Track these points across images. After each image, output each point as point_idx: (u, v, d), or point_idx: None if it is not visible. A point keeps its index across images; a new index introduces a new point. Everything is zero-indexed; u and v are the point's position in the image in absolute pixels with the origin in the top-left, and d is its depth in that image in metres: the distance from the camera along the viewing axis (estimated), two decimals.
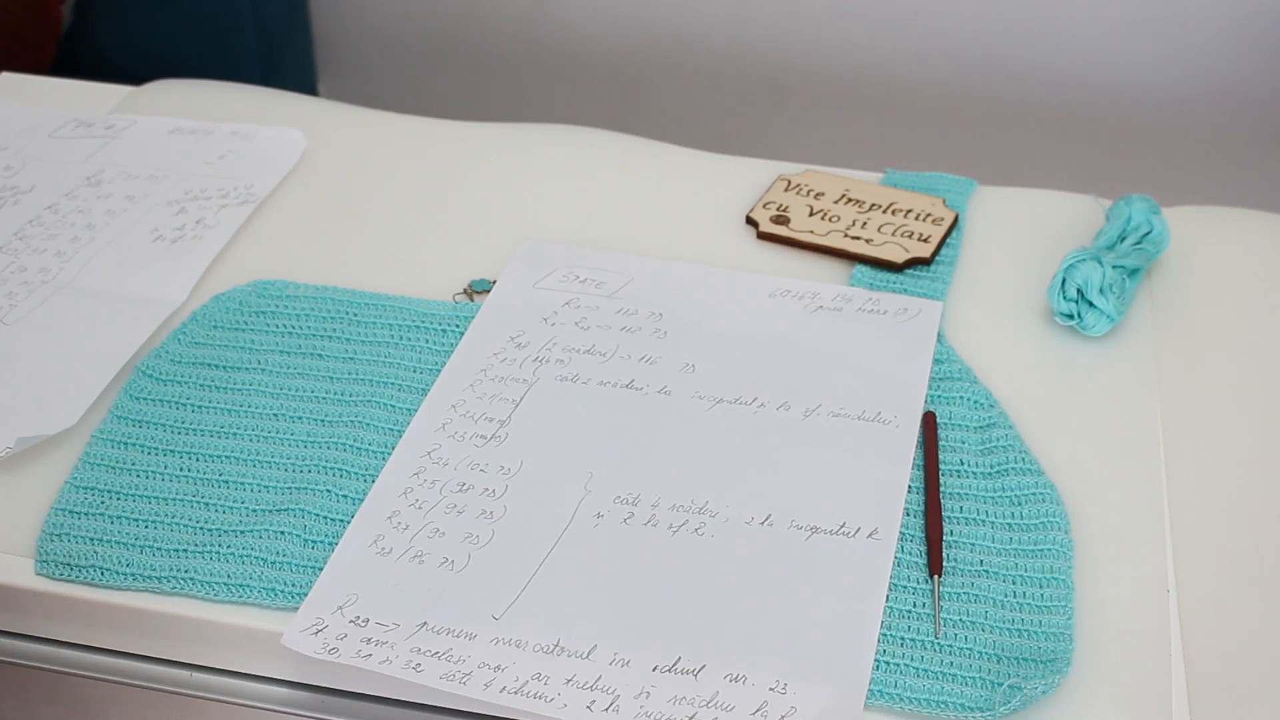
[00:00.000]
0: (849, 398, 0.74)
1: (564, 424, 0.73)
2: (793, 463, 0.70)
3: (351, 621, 0.62)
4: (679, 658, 0.61)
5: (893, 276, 0.83)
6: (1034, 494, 0.68)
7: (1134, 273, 0.81)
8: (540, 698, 0.59)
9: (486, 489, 0.69)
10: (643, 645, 0.61)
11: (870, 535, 0.66)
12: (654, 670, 0.60)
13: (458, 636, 0.62)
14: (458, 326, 0.80)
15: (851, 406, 0.73)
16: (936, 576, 0.64)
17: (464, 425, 0.73)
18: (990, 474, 0.70)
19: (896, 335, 0.78)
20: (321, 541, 0.67)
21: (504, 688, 0.59)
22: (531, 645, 0.61)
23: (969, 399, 0.74)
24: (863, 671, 0.60)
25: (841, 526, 0.67)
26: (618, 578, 0.65)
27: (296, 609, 0.64)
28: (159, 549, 0.67)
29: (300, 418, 0.74)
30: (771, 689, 0.59)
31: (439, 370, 0.77)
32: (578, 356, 0.77)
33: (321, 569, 0.66)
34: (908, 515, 0.68)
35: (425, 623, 0.62)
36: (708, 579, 0.64)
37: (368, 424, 0.73)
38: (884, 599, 0.63)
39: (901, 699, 0.60)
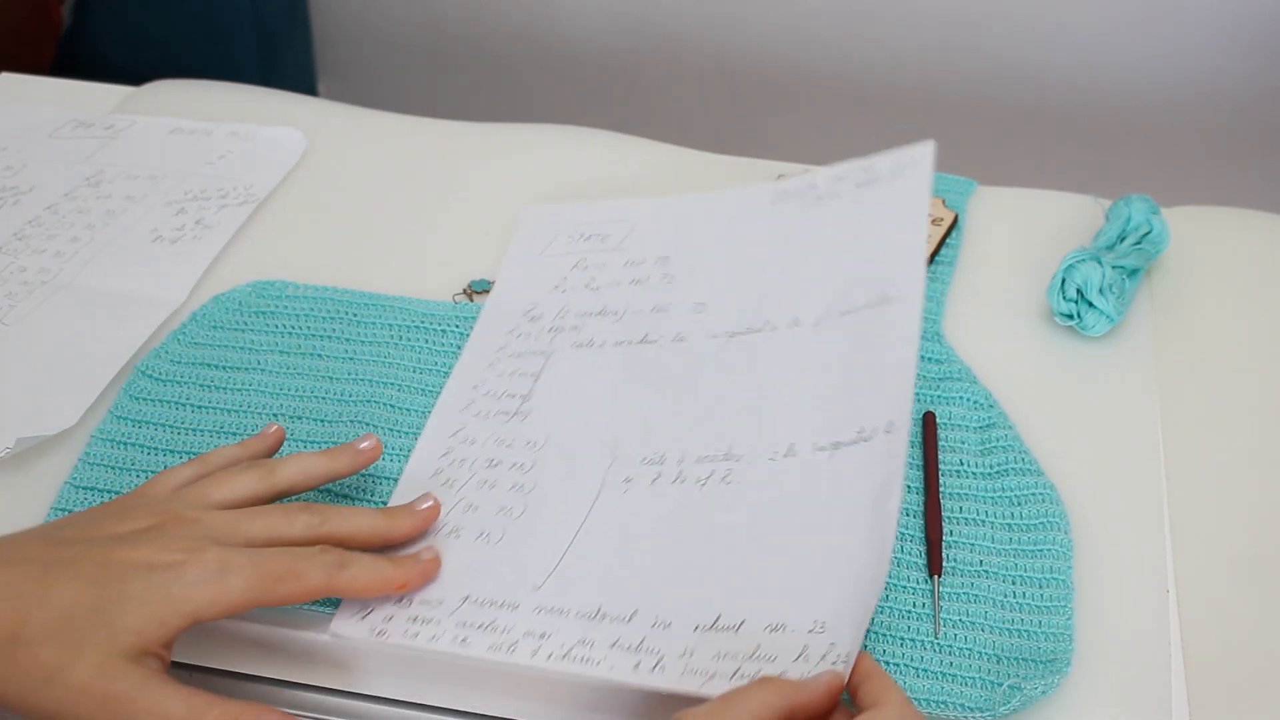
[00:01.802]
0: (853, 289, 0.72)
1: (584, 393, 0.74)
2: (808, 381, 0.70)
3: (396, 602, 0.63)
4: (718, 615, 0.61)
5: None
6: (1034, 494, 0.68)
7: (1134, 273, 0.81)
8: (588, 661, 0.60)
9: (515, 463, 0.70)
10: (683, 606, 0.62)
11: (886, 431, 0.65)
12: (695, 630, 0.61)
13: (501, 607, 0.63)
14: (458, 326, 0.80)
15: (857, 297, 0.71)
16: (936, 577, 0.64)
17: (487, 404, 0.74)
18: (990, 474, 0.70)
19: (891, 199, 0.74)
20: None
21: (550, 654, 0.61)
22: (574, 612, 0.62)
23: (969, 399, 0.74)
24: (880, 567, 0.60)
25: (860, 432, 0.66)
26: (652, 541, 0.65)
27: (296, 608, 0.64)
28: None
29: (300, 418, 0.74)
30: (810, 630, 0.60)
31: (439, 370, 0.77)
32: (591, 320, 0.78)
33: None
34: (907, 515, 0.68)
35: (468, 596, 0.63)
36: (739, 528, 0.65)
37: (368, 424, 0.73)
38: (901, 494, 0.62)
39: None
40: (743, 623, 0.61)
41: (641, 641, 0.61)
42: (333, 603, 0.64)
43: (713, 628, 0.61)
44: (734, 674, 0.59)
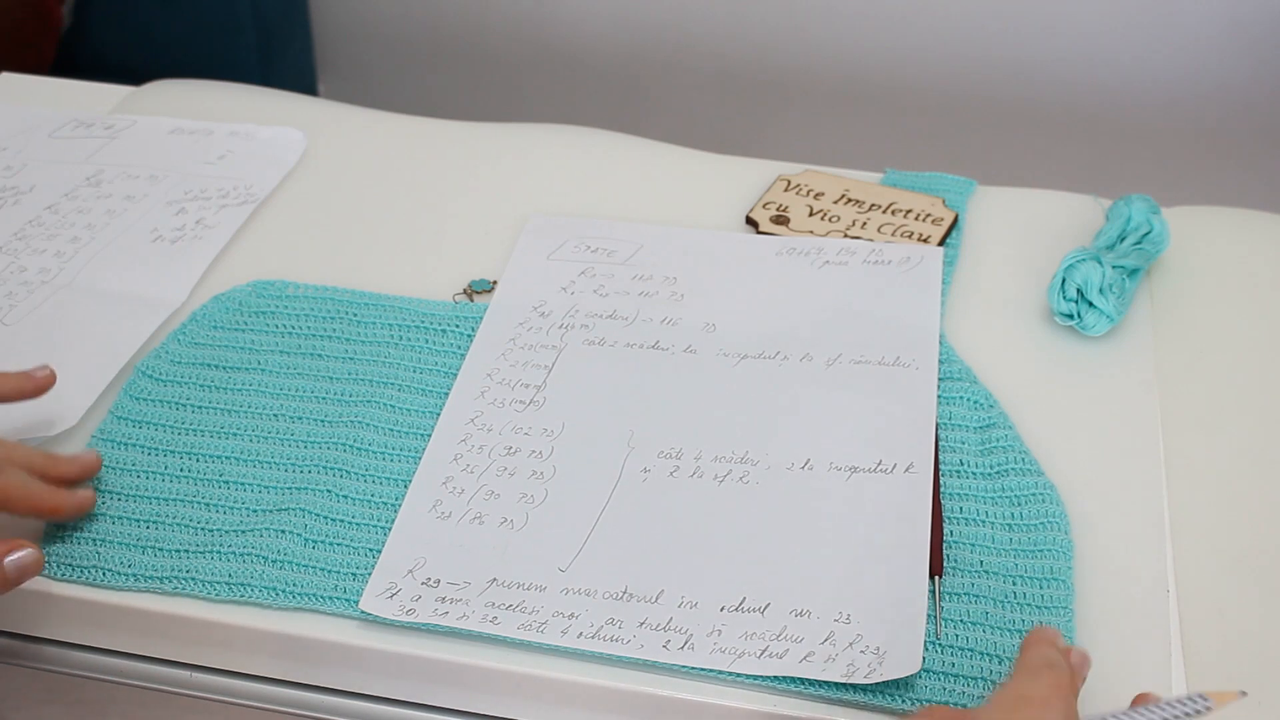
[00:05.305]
0: (867, 345, 0.76)
1: (598, 385, 0.75)
2: (823, 409, 0.73)
3: (423, 583, 0.65)
4: (744, 598, 0.63)
5: None
6: (1034, 494, 0.68)
7: (1134, 273, 0.81)
8: (617, 640, 0.62)
9: (533, 451, 0.71)
10: (708, 588, 0.64)
11: (907, 470, 0.68)
12: (721, 610, 0.63)
13: (528, 589, 0.64)
14: (458, 326, 0.80)
15: (871, 353, 0.76)
16: (937, 577, 0.64)
17: (502, 392, 0.75)
18: (990, 474, 0.70)
19: (903, 282, 0.81)
20: (322, 541, 0.67)
21: (580, 633, 0.62)
22: (601, 593, 0.64)
23: (969, 399, 0.74)
24: (920, 596, 0.62)
25: (879, 464, 0.69)
26: (674, 527, 0.67)
27: (297, 608, 0.64)
28: (160, 549, 0.67)
29: (300, 418, 0.74)
30: (836, 620, 0.62)
31: (439, 370, 0.77)
32: (601, 321, 0.79)
33: (323, 568, 0.66)
34: None
35: (495, 579, 0.65)
36: (760, 522, 0.67)
37: (368, 424, 0.73)
38: (929, 528, 0.65)
39: (903, 697, 0.60)
40: (768, 605, 0.63)
41: (669, 621, 0.62)
42: (351, 600, 0.64)
43: (739, 609, 0.63)
44: (762, 653, 0.60)
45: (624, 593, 0.64)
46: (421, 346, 0.79)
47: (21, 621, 0.68)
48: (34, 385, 0.71)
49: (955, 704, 0.59)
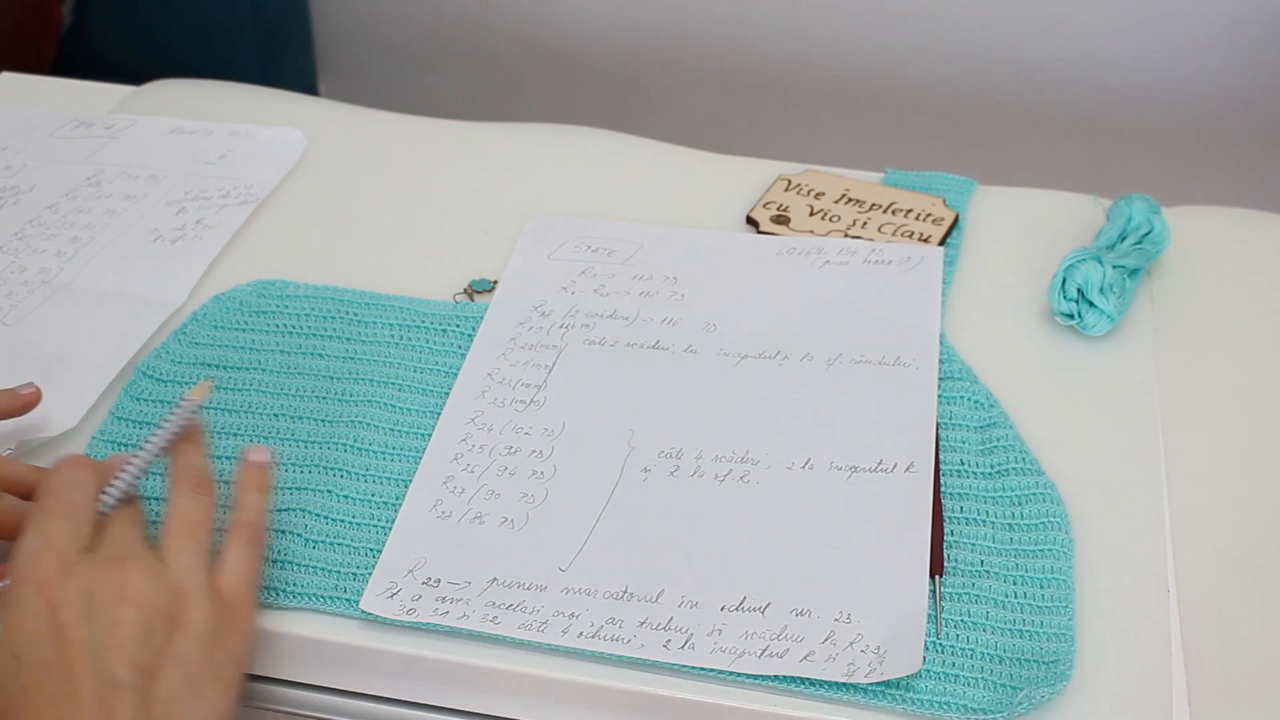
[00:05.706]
0: (867, 345, 0.76)
1: (598, 385, 0.75)
2: (823, 409, 0.73)
3: (424, 583, 0.65)
4: (744, 597, 0.63)
5: None
6: (1034, 494, 0.68)
7: (1134, 273, 0.81)
8: (617, 640, 0.62)
9: (534, 450, 0.71)
10: (708, 587, 0.64)
11: (908, 469, 0.69)
12: (722, 609, 0.63)
13: (528, 589, 0.64)
14: (458, 326, 0.80)
15: (871, 353, 0.76)
16: (937, 577, 0.64)
17: (502, 392, 0.75)
18: (991, 474, 0.70)
19: (903, 282, 0.81)
20: (323, 541, 0.67)
21: (580, 633, 0.62)
22: (601, 593, 0.64)
23: (969, 399, 0.74)
24: (920, 596, 0.62)
25: (879, 463, 0.69)
26: (674, 526, 0.67)
27: (297, 608, 0.64)
28: None
29: (301, 418, 0.74)
30: (836, 619, 0.62)
31: (439, 370, 0.77)
32: (601, 321, 0.79)
33: (323, 568, 0.66)
34: None
35: (495, 579, 0.65)
36: (760, 522, 0.67)
37: (368, 424, 0.73)
38: (929, 528, 0.65)
39: (903, 699, 0.60)
40: (768, 605, 0.63)
41: (670, 620, 0.62)
42: (351, 600, 0.64)
43: (739, 608, 0.63)
44: (762, 652, 0.60)
45: (624, 592, 0.64)
46: (422, 346, 0.79)
47: None
48: (21, 403, 0.71)
49: (955, 704, 0.59)
